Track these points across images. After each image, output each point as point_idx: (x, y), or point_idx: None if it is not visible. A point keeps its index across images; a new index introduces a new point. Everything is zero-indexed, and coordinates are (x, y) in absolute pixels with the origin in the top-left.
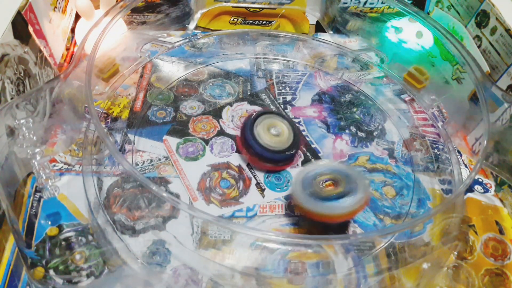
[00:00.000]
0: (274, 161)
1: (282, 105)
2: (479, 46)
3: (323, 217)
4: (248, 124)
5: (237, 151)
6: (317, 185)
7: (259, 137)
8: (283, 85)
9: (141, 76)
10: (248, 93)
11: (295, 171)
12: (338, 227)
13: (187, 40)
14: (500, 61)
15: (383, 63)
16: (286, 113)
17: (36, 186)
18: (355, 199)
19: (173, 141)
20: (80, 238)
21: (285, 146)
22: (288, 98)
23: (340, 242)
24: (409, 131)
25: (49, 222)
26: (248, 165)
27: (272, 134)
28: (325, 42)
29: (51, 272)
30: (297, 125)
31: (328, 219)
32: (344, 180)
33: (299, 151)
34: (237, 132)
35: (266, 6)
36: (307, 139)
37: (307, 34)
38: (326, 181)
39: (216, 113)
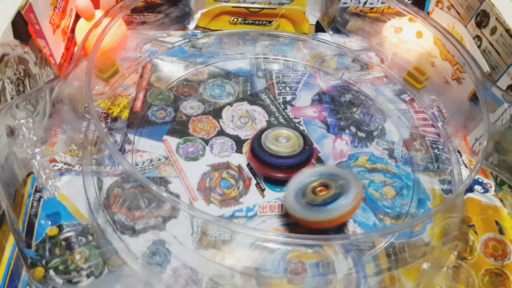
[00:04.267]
0: (290, 167)
1: (282, 105)
2: (479, 46)
3: (325, 224)
4: (256, 141)
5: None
6: (310, 194)
7: (269, 149)
8: (283, 85)
9: (141, 76)
10: (248, 93)
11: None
12: (337, 228)
13: (187, 40)
14: (500, 61)
15: (383, 63)
16: (287, 113)
17: (36, 186)
18: (351, 196)
19: (173, 141)
20: (80, 238)
21: (298, 151)
22: (288, 98)
23: (340, 242)
24: (409, 131)
25: (49, 222)
26: (248, 165)
27: (282, 142)
28: (325, 42)
29: (51, 272)
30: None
31: (329, 224)
32: (334, 181)
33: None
34: (237, 132)
35: (266, 6)
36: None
37: (307, 34)
38: (317, 187)
39: (216, 113)
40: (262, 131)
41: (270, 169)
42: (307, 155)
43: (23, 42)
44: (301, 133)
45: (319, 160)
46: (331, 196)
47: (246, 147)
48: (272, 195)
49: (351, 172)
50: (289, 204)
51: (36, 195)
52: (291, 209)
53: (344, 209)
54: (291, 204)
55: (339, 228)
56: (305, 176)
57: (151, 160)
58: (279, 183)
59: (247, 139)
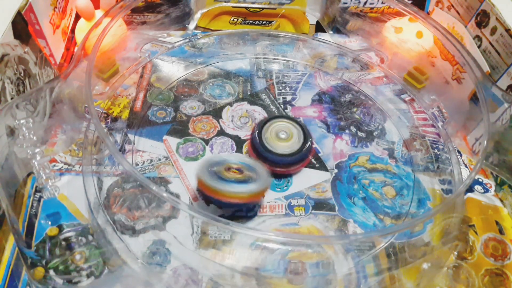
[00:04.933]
0: (290, 164)
1: (282, 105)
2: (479, 46)
3: (218, 194)
4: (256, 134)
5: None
6: (224, 170)
7: (270, 146)
8: (283, 85)
9: (141, 76)
10: (248, 93)
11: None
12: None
13: (187, 40)
14: (500, 61)
15: (383, 63)
16: (287, 113)
17: (36, 186)
18: (253, 187)
19: (173, 141)
20: (80, 238)
21: (297, 147)
22: (288, 98)
23: (340, 242)
24: (409, 131)
25: (49, 222)
26: None
27: (281, 138)
28: (325, 42)
29: (51, 272)
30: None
31: (222, 196)
32: (248, 171)
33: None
34: (237, 132)
35: (266, 6)
36: None
37: (307, 34)
38: (232, 168)
39: (216, 113)
40: (263, 124)
41: (271, 166)
42: (306, 151)
43: (23, 42)
44: (300, 124)
45: (317, 158)
46: (236, 179)
47: (246, 147)
48: (272, 195)
49: (269, 175)
50: (201, 164)
51: (36, 195)
52: (199, 169)
53: (236, 191)
54: (202, 166)
55: (232, 205)
56: (230, 157)
57: (151, 160)
58: (282, 180)
59: (247, 139)
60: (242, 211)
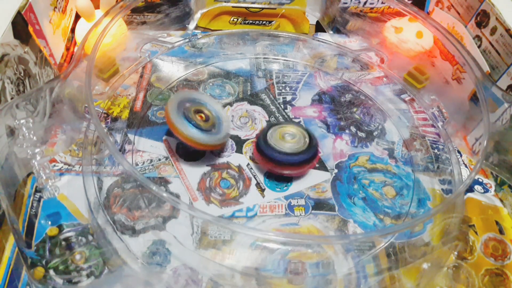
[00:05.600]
0: (297, 164)
1: (282, 105)
2: (479, 46)
3: (175, 130)
4: (261, 138)
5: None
6: (192, 109)
7: (275, 145)
8: (283, 85)
9: (141, 76)
10: (248, 93)
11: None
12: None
13: (187, 40)
14: (500, 61)
15: (383, 63)
16: (287, 113)
17: (36, 186)
18: (206, 139)
19: (173, 141)
20: (80, 238)
21: (304, 148)
22: (288, 98)
23: (340, 242)
24: (409, 131)
25: (49, 222)
26: (248, 165)
27: (287, 139)
28: (325, 42)
29: (51, 272)
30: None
31: (177, 134)
32: (214, 122)
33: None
34: (237, 132)
35: (266, 6)
36: None
37: (307, 34)
38: (200, 112)
39: None
40: (268, 127)
41: (276, 165)
42: (312, 152)
43: (23, 42)
44: (307, 130)
45: (320, 160)
46: (200, 126)
47: (246, 147)
48: (272, 195)
49: (228, 134)
50: (174, 100)
51: (36, 195)
52: (171, 104)
53: (198, 140)
54: (175, 101)
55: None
56: (207, 100)
57: (151, 160)
58: (282, 180)
59: (247, 139)
60: (242, 211)
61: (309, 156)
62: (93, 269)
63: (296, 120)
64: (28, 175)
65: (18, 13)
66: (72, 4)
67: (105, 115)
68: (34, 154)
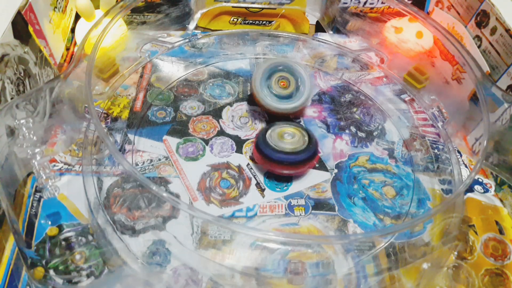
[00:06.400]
0: (296, 163)
1: None
2: (479, 46)
3: (260, 103)
4: (261, 138)
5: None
6: (274, 82)
7: (275, 145)
8: None
9: (141, 76)
10: (248, 93)
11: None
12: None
13: (187, 40)
14: (500, 61)
15: (383, 63)
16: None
17: (36, 186)
18: (297, 104)
19: (173, 141)
20: (80, 238)
21: (303, 147)
22: None
23: (340, 242)
24: (409, 131)
25: (49, 222)
26: (248, 165)
27: (287, 139)
28: (325, 42)
29: (51, 272)
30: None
31: (262, 107)
32: (295, 83)
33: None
34: (237, 132)
35: (266, 6)
36: None
37: (307, 34)
38: (281, 78)
39: (216, 113)
40: (268, 127)
41: (275, 164)
42: (311, 151)
43: (23, 42)
44: (306, 130)
45: (320, 160)
46: (284, 95)
47: (246, 147)
48: (272, 195)
49: (313, 88)
50: (256, 77)
51: (36, 195)
52: (254, 82)
53: (284, 108)
54: (257, 79)
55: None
56: (291, 64)
57: (151, 160)
58: (282, 180)
59: (247, 139)
60: (242, 211)
61: (308, 155)
62: (93, 269)
63: (296, 120)
64: (28, 175)
65: (18, 13)
66: (72, 4)
67: (105, 115)
68: (34, 154)
